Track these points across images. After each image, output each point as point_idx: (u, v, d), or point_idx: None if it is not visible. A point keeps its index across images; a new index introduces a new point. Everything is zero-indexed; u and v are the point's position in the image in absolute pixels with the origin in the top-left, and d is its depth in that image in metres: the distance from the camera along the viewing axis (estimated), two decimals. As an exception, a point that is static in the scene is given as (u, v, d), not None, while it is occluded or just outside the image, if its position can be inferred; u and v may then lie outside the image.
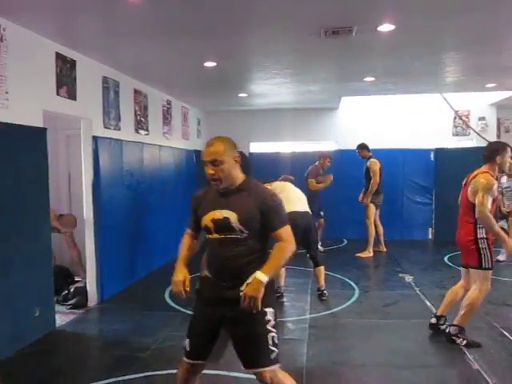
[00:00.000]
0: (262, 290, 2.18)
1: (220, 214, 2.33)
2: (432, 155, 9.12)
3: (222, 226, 2.32)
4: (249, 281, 2.19)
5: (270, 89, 7.10)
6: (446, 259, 7.17)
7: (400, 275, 6.32)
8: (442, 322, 4.14)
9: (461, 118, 9.47)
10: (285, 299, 5.25)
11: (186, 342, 2.45)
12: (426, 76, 6.58)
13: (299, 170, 7.72)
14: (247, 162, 9.57)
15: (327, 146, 9.55)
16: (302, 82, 6.75)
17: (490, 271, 3.81)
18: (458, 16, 3.91)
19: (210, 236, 2.40)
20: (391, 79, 6.74)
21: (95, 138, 5.15)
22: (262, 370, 2.28)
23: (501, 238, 3.72)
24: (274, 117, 9.42)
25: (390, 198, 8.48)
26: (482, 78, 6.76)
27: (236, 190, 2.36)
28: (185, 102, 8.36)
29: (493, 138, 9.45)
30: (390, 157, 8.50)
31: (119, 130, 5.75)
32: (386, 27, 4.12)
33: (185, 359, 2.46)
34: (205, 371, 3.42)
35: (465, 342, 3.82)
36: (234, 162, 2.35)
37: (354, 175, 7.92)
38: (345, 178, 8.18)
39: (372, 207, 7.64)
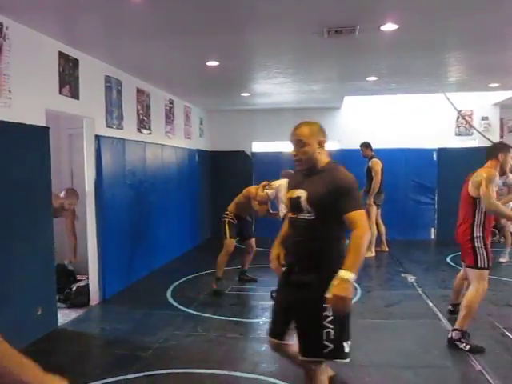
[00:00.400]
0: (352, 290, 2.07)
1: (296, 192, 2.37)
2: (435, 155, 9.10)
3: (295, 204, 2.36)
4: (334, 282, 2.07)
5: (273, 88, 7.09)
6: (448, 259, 7.15)
7: (402, 275, 6.31)
8: (458, 310, 4.18)
9: (464, 118, 9.44)
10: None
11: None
12: (428, 75, 6.57)
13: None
14: (249, 162, 9.58)
15: (330, 145, 9.53)
16: (305, 82, 6.75)
17: (487, 271, 3.79)
18: (460, 15, 3.90)
19: (289, 215, 2.45)
20: (394, 79, 6.72)
21: (98, 137, 5.16)
22: (309, 359, 2.30)
23: None
24: (276, 116, 9.40)
25: (393, 197, 8.46)
26: (485, 77, 6.74)
27: (316, 172, 2.37)
28: (187, 102, 8.36)
29: (496, 138, 9.43)
30: (392, 156, 8.48)
31: (122, 129, 5.75)
32: (389, 26, 4.10)
33: (268, 336, 2.56)
34: (211, 371, 3.44)
35: (468, 346, 3.74)
36: (317, 146, 2.37)
37: (357, 174, 7.69)
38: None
39: (373, 207, 7.63)
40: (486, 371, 3.38)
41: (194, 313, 4.83)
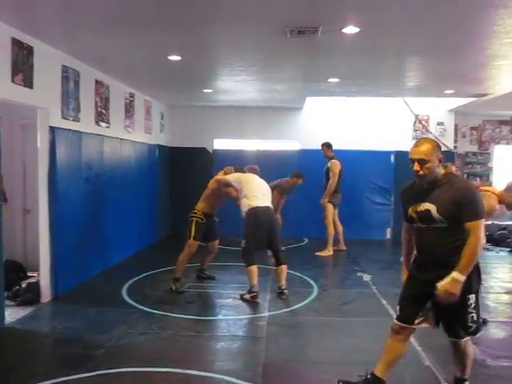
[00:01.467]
0: (459, 287, 2.55)
1: (423, 206, 2.71)
2: (392, 157, 9.33)
3: (425, 217, 2.70)
4: (447, 280, 2.56)
5: (235, 86, 7.06)
6: (402, 259, 7.35)
7: (358, 274, 6.44)
8: None
9: (420, 123, 9.75)
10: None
11: (397, 308, 2.91)
12: (388, 80, 6.73)
13: (263, 167, 7.71)
14: (210, 159, 9.52)
15: (291, 145, 9.62)
16: (268, 81, 6.76)
17: None
18: (419, 23, 4.01)
19: (415, 225, 2.82)
20: (355, 81, 6.84)
21: (52, 129, 4.97)
22: (458, 340, 2.81)
23: None
24: (238, 114, 9.39)
25: (351, 198, 8.63)
26: (441, 84, 6.97)
27: (437, 185, 2.69)
28: (148, 96, 8.21)
29: (450, 143, 9.79)
30: (351, 158, 8.63)
31: (78, 121, 5.57)
32: (350, 29, 4.16)
33: (395, 321, 2.91)
34: (165, 369, 3.40)
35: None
36: (437, 162, 2.67)
37: (316, 175, 7.99)
38: (307, 177, 8.25)
39: (330, 207, 7.75)
40: (435, 366, 3.50)
41: (150, 310, 4.75)
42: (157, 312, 4.69)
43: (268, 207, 5.31)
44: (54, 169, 5.00)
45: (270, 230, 5.20)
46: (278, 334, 4.23)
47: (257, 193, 5.28)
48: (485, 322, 4.25)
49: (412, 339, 3.98)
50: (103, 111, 6.31)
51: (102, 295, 5.29)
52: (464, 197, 2.59)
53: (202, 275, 6.01)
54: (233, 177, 5.48)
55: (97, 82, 6.10)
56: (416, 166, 2.69)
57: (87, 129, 5.80)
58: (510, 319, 4.79)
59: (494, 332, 4.45)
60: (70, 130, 5.34)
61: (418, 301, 2.82)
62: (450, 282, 2.56)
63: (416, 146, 2.72)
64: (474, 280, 2.69)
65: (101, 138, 6.21)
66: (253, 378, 3.28)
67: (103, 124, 6.31)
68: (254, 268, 5.13)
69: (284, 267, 5.31)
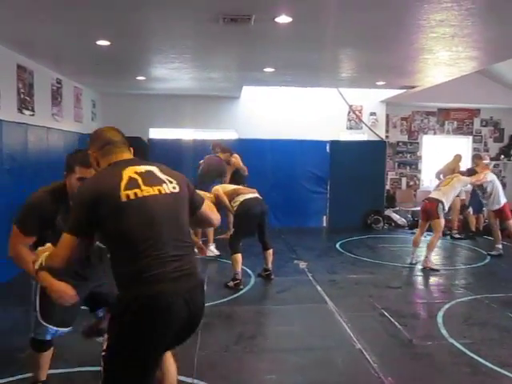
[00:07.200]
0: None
1: None
2: (328, 147, 9.53)
3: None
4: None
5: (170, 73, 6.89)
6: (337, 246, 7.57)
7: (295, 262, 6.53)
8: None
9: (354, 113, 10.04)
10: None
11: None
12: (322, 70, 6.85)
13: (201, 157, 7.63)
14: (146, 148, 9.25)
15: (228, 134, 9.57)
16: (203, 69, 6.65)
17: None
18: (349, 13, 4.08)
19: None
20: (290, 71, 6.90)
21: (-32, 117, 4.61)
22: None
23: None
24: (174, 103, 9.21)
25: (287, 187, 8.76)
26: (372, 75, 7.20)
27: None
28: (78, 82, 7.82)
29: (382, 133, 10.18)
30: (288, 147, 8.74)
31: (-2, 108, 5.21)
32: (283, 19, 4.17)
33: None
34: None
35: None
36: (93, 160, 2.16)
37: (254, 164, 8.01)
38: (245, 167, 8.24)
39: None
40: (365, 349, 3.63)
41: (83, 308, 4.54)
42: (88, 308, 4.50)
43: (256, 197, 5.35)
44: (-30, 160, 4.64)
45: (261, 217, 5.29)
46: (213, 325, 4.20)
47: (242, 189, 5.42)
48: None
49: (343, 323, 4.13)
50: (27, 98, 5.93)
51: (28, 294, 4.99)
52: None
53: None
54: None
55: (19, 66, 5.71)
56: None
57: (9, 117, 5.42)
58: (436, 300, 5.07)
59: (421, 313, 4.70)
60: (-12, 117, 4.97)
61: None
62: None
63: None
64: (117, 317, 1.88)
65: (25, 126, 5.83)
66: (187, 371, 3.23)
67: (27, 112, 5.93)
68: (239, 256, 5.20)
69: (271, 251, 5.52)
